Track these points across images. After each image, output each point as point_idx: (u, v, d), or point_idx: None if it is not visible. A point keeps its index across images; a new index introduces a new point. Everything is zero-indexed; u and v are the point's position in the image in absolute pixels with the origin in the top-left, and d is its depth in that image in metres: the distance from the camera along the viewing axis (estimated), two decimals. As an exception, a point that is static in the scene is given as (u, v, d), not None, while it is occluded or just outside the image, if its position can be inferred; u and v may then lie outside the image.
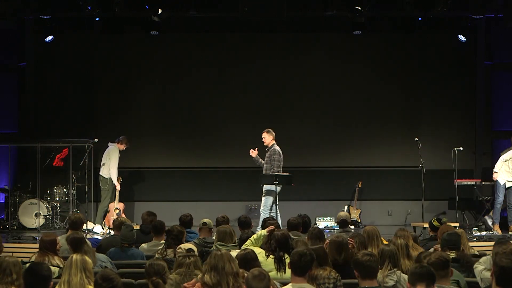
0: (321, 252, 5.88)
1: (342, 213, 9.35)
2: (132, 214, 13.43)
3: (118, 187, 12.54)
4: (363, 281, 5.21)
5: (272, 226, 6.84)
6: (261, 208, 11.57)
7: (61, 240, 7.48)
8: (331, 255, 6.21)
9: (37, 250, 6.97)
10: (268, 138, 11.77)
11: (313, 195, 13.80)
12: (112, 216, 12.45)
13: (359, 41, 13.92)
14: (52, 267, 5.65)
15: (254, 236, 6.88)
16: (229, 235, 7.53)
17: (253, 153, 11.78)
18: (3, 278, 5.03)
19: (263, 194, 11.61)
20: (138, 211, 12.59)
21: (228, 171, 14.00)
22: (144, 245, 8.01)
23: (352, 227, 9.52)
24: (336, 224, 12.73)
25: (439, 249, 6.69)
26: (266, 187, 11.60)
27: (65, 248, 7.78)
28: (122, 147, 12.85)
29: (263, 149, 11.82)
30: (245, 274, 5.08)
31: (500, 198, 12.09)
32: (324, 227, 13.08)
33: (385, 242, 7.45)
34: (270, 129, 11.79)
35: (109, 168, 12.66)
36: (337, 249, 6.31)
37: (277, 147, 11.71)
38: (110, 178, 12.67)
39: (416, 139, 12.19)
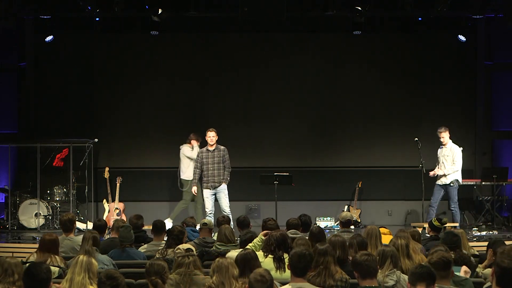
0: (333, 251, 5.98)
1: (347, 213, 9.36)
2: (132, 214, 13.39)
3: (193, 190, 12.07)
4: (363, 281, 5.21)
5: (266, 231, 6.83)
6: (228, 209, 11.59)
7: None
8: None
9: (36, 249, 6.98)
10: (215, 137, 11.73)
11: (313, 195, 13.79)
12: (112, 216, 12.47)
13: (359, 41, 13.93)
14: (52, 267, 5.67)
15: (254, 241, 6.90)
16: (229, 235, 7.54)
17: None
18: (5, 278, 5.04)
19: (223, 196, 11.64)
20: (138, 211, 12.57)
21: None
22: (144, 245, 8.03)
23: (352, 227, 9.51)
24: (336, 224, 12.76)
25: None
26: (226, 188, 11.65)
27: (67, 249, 7.82)
28: (194, 143, 12.64)
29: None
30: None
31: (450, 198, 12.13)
32: (324, 227, 13.07)
33: (385, 241, 7.48)
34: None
35: (181, 171, 12.61)
36: (333, 247, 6.36)
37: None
38: (189, 180, 12.46)
39: (416, 139, 12.18)
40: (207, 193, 11.71)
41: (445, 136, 12.01)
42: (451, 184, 11.92)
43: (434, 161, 12.27)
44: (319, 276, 5.67)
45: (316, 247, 5.89)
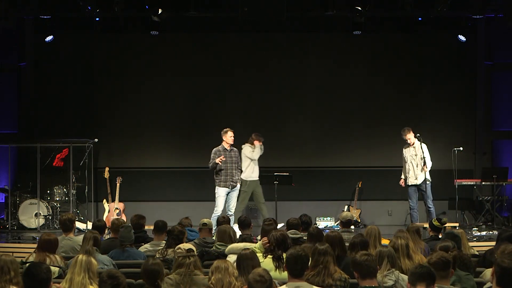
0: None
1: (347, 213, 9.38)
2: (132, 214, 13.38)
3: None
4: (363, 281, 5.22)
5: (265, 239, 6.77)
6: (234, 210, 11.66)
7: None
8: None
9: (35, 249, 6.99)
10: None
11: (313, 195, 13.79)
12: (112, 216, 12.47)
13: (359, 41, 13.93)
14: (52, 267, 5.68)
15: (256, 245, 6.91)
16: (229, 235, 7.54)
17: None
18: (1, 276, 5.04)
19: (235, 196, 11.75)
20: (138, 211, 12.56)
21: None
22: (145, 245, 8.04)
23: (352, 227, 9.53)
24: (336, 224, 12.76)
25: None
26: (239, 188, 11.80)
27: (67, 249, 7.83)
28: (256, 144, 12.48)
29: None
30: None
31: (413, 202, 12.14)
32: (324, 227, 13.07)
33: (385, 242, 7.49)
34: None
35: (245, 170, 12.44)
36: (332, 244, 6.39)
37: None
38: (247, 180, 12.29)
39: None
40: (224, 192, 11.65)
41: (410, 137, 12.08)
42: (427, 182, 11.96)
43: (434, 161, 12.27)
44: (319, 275, 5.71)
45: (316, 247, 5.91)
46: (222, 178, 11.66)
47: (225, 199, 11.68)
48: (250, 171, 12.22)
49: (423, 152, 11.96)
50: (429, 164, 11.96)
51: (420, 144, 12.03)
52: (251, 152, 12.35)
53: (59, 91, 14.17)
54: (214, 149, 11.81)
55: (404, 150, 12.22)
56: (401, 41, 14.32)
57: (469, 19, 13.62)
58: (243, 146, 12.59)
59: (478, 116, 14.16)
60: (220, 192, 11.65)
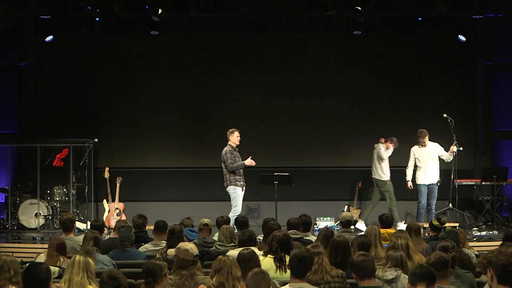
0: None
1: (347, 213, 9.38)
2: (132, 214, 13.37)
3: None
4: (361, 282, 5.23)
5: None
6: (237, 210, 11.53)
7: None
8: (330, 255, 6.26)
9: (46, 251, 7.00)
10: None
11: (313, 195, 13.79)
12: (112, 216, 12.48)
13: (359, 41, 13.93)
14: (52, 267, 5.68)
15: None
16: (229, 235, 7.54)
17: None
18: (1, 274, 5.05)
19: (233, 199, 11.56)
20: (138, 211, 12.56)
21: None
22: (145, 245, 8.04)
23: (352, 227, 9.53)
24: (336, 224, 12.76)
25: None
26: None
27: (68, 249, 7.83)
28: (389, 145, 12.60)
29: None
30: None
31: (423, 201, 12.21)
32: (324, 227, 13.05)
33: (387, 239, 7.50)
34: None
35: (376, 170, 12.65)
36: (336, 249, 6.36)
37: None
38: (386, 180, 12.54)
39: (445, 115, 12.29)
40: (241, 191, 11.50)
41: (426, 139, 12.16)
42: (438, 184, 11.99)
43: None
44: (316, 273, 5.74)
45: (309, 248, 5.92)
46: (238, 177, 11.50)
47: None
48: (387, 171, 12.53)
49: (438, 151, 12.09)
50: (448, 157, 12.14)
51: (433, 143, 12.17)
52: (385, 153, 12.53)
53: (59, 91, 14.17)
54: (227, 149, 11.50)
55: (414, 150, 12.21)
56: (401, 41, 14.33)
57: (469, 19, 13.63)
58: (375, 145, 12.64)
59: (478, 116, 14.16)
60: (238, 192, 11.46)
